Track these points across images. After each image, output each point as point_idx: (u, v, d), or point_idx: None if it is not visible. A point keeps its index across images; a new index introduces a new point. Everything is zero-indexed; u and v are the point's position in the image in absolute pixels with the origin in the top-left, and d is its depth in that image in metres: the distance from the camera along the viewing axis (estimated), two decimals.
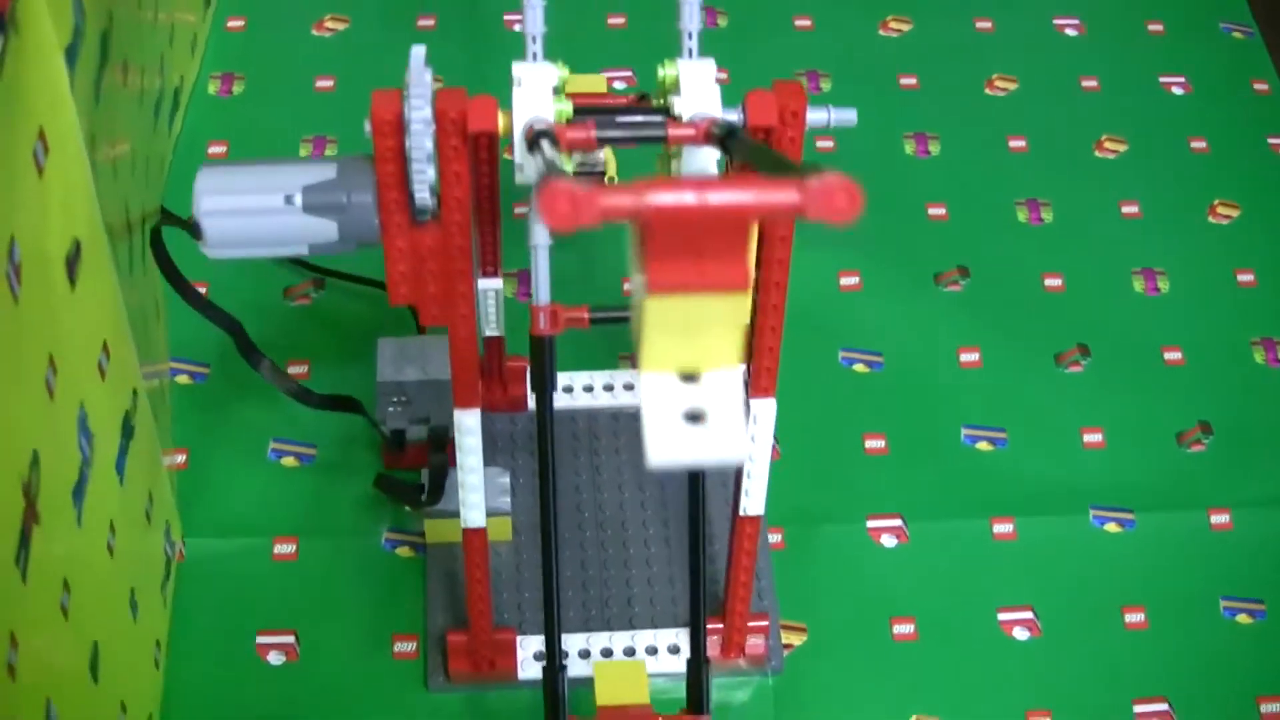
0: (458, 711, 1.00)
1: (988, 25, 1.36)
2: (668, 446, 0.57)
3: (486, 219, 0.85)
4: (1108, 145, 1.29)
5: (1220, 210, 1.26)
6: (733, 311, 0.57)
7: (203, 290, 0.98)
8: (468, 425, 0.86)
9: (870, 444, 1.12)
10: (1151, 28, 1.36)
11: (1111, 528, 1.09)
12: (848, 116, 0.77)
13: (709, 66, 0.76)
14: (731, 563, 0.96)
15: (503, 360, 1.08)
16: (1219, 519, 1.10)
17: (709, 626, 1.00)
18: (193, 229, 0.77)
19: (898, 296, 1.20)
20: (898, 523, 1.09)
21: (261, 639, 1.03)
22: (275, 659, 1.02)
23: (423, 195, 0.74)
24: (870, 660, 1.03)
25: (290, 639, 1.03)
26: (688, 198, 0.52)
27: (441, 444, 1.01)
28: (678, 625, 1.02)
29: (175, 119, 1.21)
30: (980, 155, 1.28)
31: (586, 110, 0.76)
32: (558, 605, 0.86)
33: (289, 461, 1.10)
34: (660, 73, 0.77)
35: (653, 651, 1.02)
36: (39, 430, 0.72)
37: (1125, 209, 1.25)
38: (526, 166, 0.75)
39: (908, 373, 1.16)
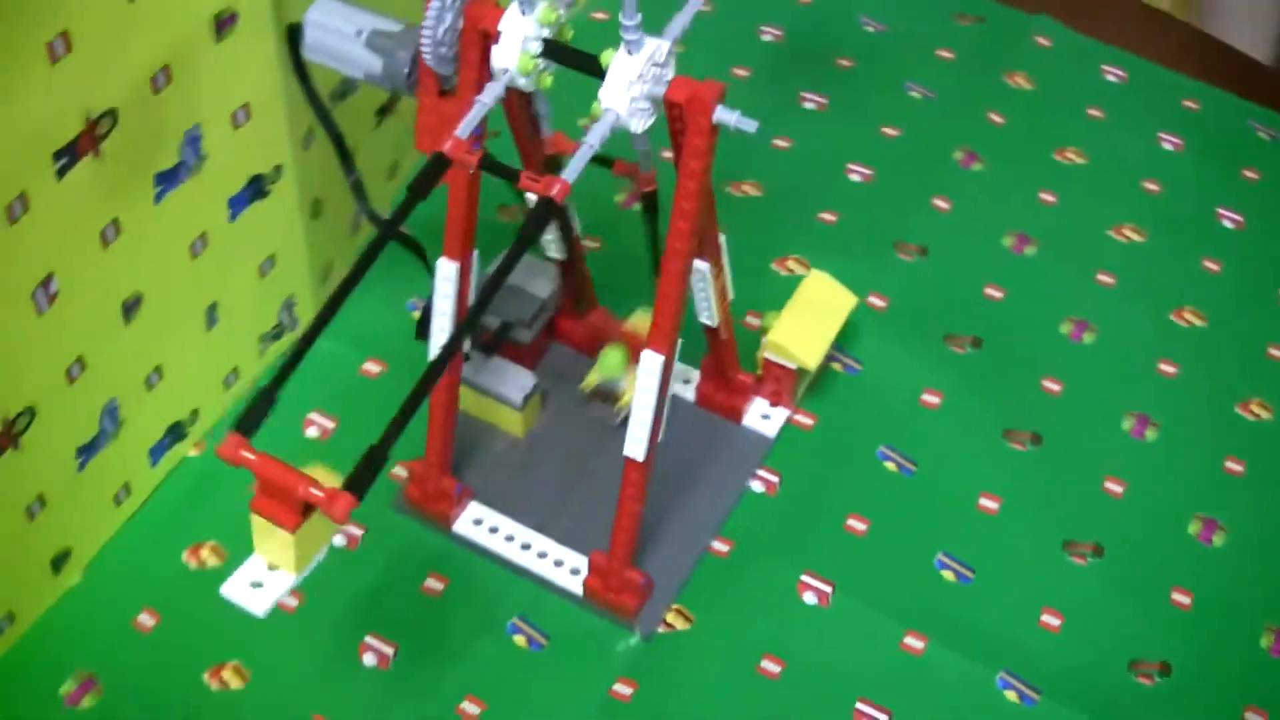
0: (394, 531, 1.20)
1: (1215, 268, 1.40)
2: (237, 585, 0.93)
3: (519, 121, 1.05)
4: (1255, 409, 1.30)
5: None
6: (287, 541, 0.91)
7: None
8: (444, 273, 1.07)
9: (852, 522, 1.22)
10: None
11: (1010, 695, 1.13)
12: (748, 125, 0.92)
13: (634, 63, 0.93)
14: (619, 507, 1.10)
15: (591, 300, 1.27)
16: None
17: (598, 558, 1.14)
18: (300, 32, 1.03)
19: (966, 429, 1.28)
20: (827, 588, 1.18)
21: (310, 415, 1.27)
22: (313, 433, 1.26)
23: (429, 61, 0.97)
24: (726, 673, 1.13)
25: (332, 425, 1.27)
26: (257, 467, 0.88)
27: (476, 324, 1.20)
28: (577, 550, 1.17)
29: None
30: (1129, 363, 1.33)
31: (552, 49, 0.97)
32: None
33: (416, 315, 1.34)
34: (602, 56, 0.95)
35: (559, 564, 1.17)
36: (123, 97, 1.00)
37: (1229, 465, 1.26)
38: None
39: (928, 490, 1.24)
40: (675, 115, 0.95)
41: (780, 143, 1.50)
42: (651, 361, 1.03)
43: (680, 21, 0.95)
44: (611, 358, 1.23)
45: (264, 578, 0.94)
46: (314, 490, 0.87)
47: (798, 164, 1.49)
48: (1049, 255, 1.40)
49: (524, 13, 0.95)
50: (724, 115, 0.94)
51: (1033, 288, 1.38)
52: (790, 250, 1.40)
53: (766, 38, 1.61)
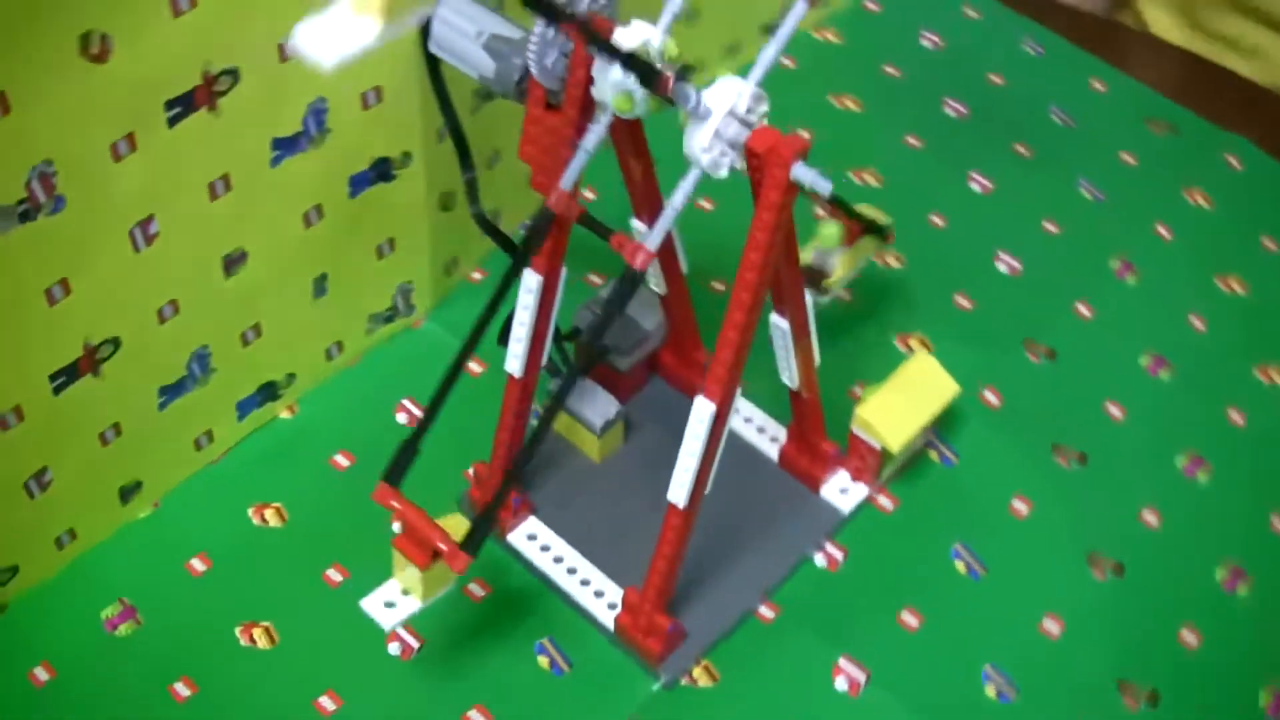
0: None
1: None
2: (374, 602, 1.12)
3: (629, 151, 1.05)
4: None
5: None
6: (417, 574, 1.07)
7: None
8: (528, 284, 1.07)
9: (906, 616, 1.18)
10: None
11: None
12: (823, 187, 0.90)
13: (707, 128, 0.92)
14: (656, 550, 1.09)
15: (693, 338, 1.26)
16: None
17: (631, 595, 1.13)
18: (429, 26, 1.05)
19: (1048, 545, 1.22)
20: (861, 676, 1.14)
21: (403, 401, 1.29)
22: (402, 418, 1.28)
23: (535, 74, 0.97)
24: None
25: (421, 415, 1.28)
26: (402, 516, 1.05)
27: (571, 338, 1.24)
28: (620, 584, 1.16)
29: None
30: (1239, 510, 1.25)
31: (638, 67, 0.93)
32: None
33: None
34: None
35: (599, 594, 1.17)
36: (246, 58, 1.03)
37: None
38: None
39: (992, 599, 1.19)
40: (755, 165, 0.94)
41: (936, 219, 1.47)
42: (702, 409, 1.01)
43: (761, 66, 0.93)
44: (830, 229, 1.19)
45: (397, 600, 1.11)
46: (441, 545, 1.03)
47: (948, 244, 1.45)
48: (1183, 383, 1.34)
49: (609, 62, 0.94)
50: (801, 173, 0.91)
51: (1157, 413, 1.32)
52: (916, 328, 1.37)
53: (949, 111, 1.57)
